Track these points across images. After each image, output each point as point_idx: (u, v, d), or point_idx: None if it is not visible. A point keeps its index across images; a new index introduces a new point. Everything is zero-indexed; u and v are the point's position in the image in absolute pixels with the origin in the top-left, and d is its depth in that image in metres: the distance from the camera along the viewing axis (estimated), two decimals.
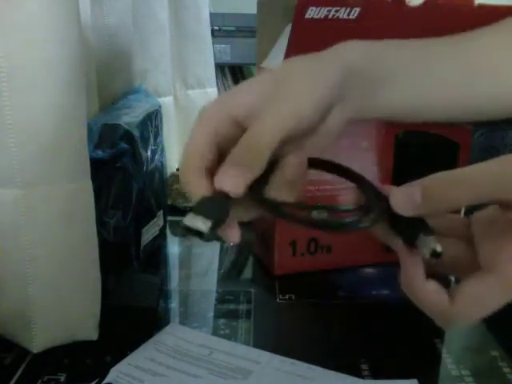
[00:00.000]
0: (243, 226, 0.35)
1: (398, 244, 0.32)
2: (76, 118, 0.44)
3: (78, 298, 0.46)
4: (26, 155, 0.41)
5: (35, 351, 0.46)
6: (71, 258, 0.45)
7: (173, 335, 0.50)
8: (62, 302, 0.46)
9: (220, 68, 1.27)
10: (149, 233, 0.66)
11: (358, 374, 0.46)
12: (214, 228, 0.31)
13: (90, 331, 0.48)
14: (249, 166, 0.31)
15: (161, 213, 0.71)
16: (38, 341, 0.46)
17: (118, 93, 0.69)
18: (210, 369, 0.45)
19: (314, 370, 0.45)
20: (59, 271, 0.45)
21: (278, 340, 0.52)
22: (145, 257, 0.65)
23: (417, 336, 0.52)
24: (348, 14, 0.53)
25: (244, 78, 1.34)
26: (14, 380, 0.44)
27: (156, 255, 0.69)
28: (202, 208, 0.31)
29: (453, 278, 0.43)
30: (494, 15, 0.59)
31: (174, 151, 0.92)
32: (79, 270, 0.46)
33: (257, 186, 0.33)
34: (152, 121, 0.67)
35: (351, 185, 0.61)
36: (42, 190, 0.43)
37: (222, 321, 0.54)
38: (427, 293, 0.31)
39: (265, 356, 0.47)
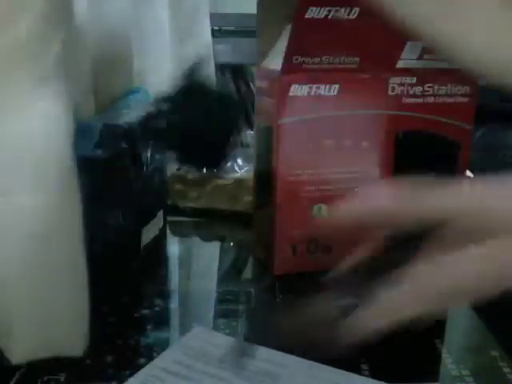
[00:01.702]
0: None
1: None
2: (58, 126, 0.43)
3: (61, 312, 0.44)
4: (5, 163, 0.40)
5: (14, 362, 0.44)
6: (54, 271, 0.43)
7: (200, 338, 0.49)
8: (43, 315, 0.44)
9: (220, 68, 1.27)
10: (149, 233, 0.66)
11: (358, 374, 0.46)
12: None
13: (74, 347, 0.45)
14: None
15: (161, 213, 0.71)
16: (18, 352, 0.44)
17: (118, 93, 0.69)
18: (237, 372, 0.45)
19: (344, 376, 0.45)
20: (41, 283, 0.43)
21: (278, 340, 0.52)
22: (145, 257, 0.65)
23: (417, 336, 0.52)
24: (348, 14, 0.53)
25: (244, 78, 1.34)
26: (13, 380, 0.44)
27: (156, 255, 0.69)
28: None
29: None
30: None
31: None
32: (63, 283, 0.44)
33: None
34: None
35: (352, 185, 0.62)
36: (21, 199, 0.41)
37: (221, 321, 0.54)
38: None
39: (293, 360, 0.47)
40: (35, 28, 0.39)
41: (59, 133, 0.42)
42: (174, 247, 0.74)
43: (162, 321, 0.53)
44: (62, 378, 0.44)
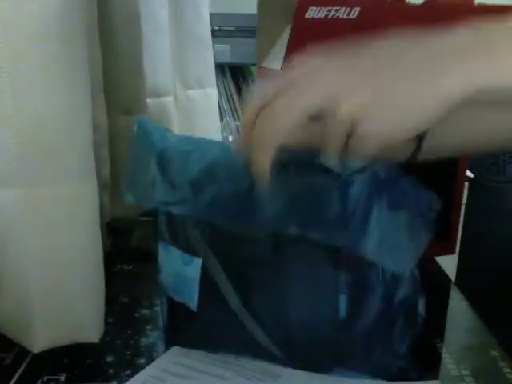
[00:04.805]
0: None
1: None
2: (79, 119, 0.43)
3: (79, 300, 0.46)
4: (27, 155, 0.41)
5: (35, 351, 0.46)
6: (72, 260, 0.45)
7: None
8: (62, 303, 0.46)
9: (220, 68, 1.27)
10: None
11: None
12: None
13: (91, 334, 0.47)
14: None
15: None
16: (38, 341, 0.46)
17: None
18: (237, 371, 0.45)
19: (343, 375, 0.45)
20: (60, 272, 0.45)
21: None
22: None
23: (417, 336, 0.52)
24: (348, 14, 0.53)
25: (244, 77, 1.34)
26: (13, 380, 0.44)
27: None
28: None
29: None
30: (494, 15, 0.59)
31: None
32: (81, 272, 0.46)
33: None
34: None
35: None
36: (42, 190, 0.43)
37: None
38: None
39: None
40: None
41: (81, 124, 0.43)
42: None
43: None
44: (62, 378, 0.44)
